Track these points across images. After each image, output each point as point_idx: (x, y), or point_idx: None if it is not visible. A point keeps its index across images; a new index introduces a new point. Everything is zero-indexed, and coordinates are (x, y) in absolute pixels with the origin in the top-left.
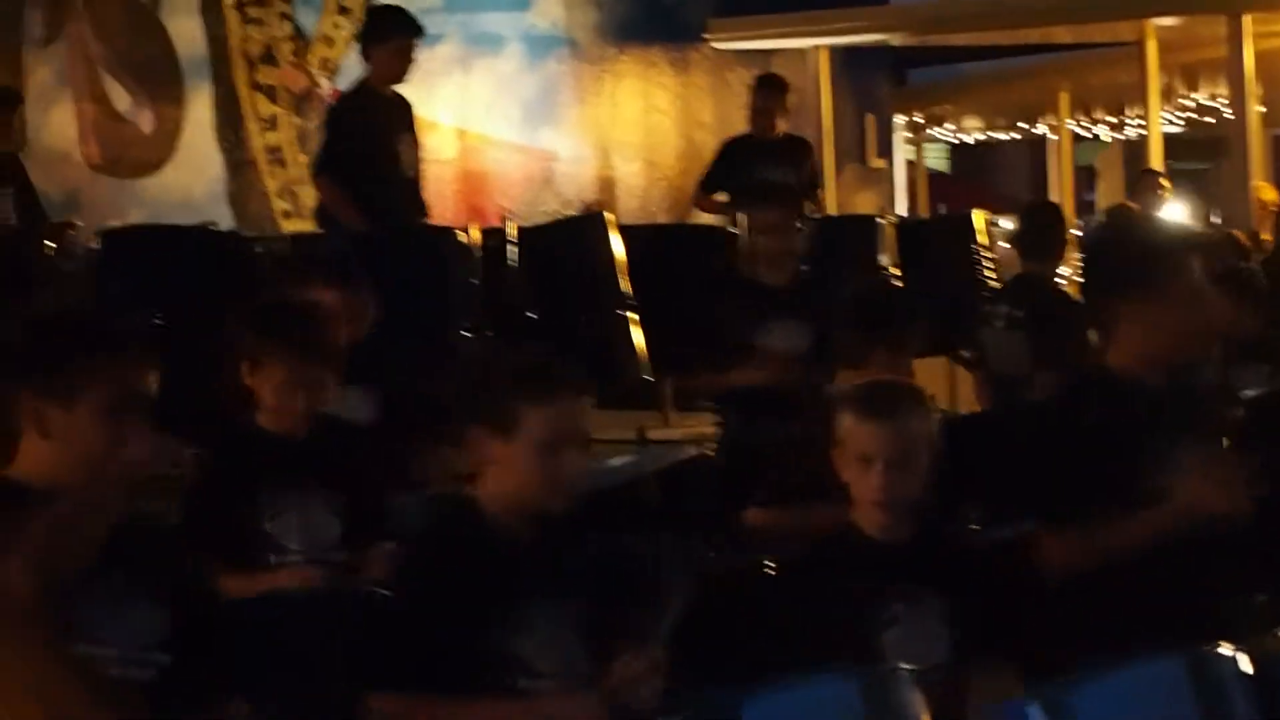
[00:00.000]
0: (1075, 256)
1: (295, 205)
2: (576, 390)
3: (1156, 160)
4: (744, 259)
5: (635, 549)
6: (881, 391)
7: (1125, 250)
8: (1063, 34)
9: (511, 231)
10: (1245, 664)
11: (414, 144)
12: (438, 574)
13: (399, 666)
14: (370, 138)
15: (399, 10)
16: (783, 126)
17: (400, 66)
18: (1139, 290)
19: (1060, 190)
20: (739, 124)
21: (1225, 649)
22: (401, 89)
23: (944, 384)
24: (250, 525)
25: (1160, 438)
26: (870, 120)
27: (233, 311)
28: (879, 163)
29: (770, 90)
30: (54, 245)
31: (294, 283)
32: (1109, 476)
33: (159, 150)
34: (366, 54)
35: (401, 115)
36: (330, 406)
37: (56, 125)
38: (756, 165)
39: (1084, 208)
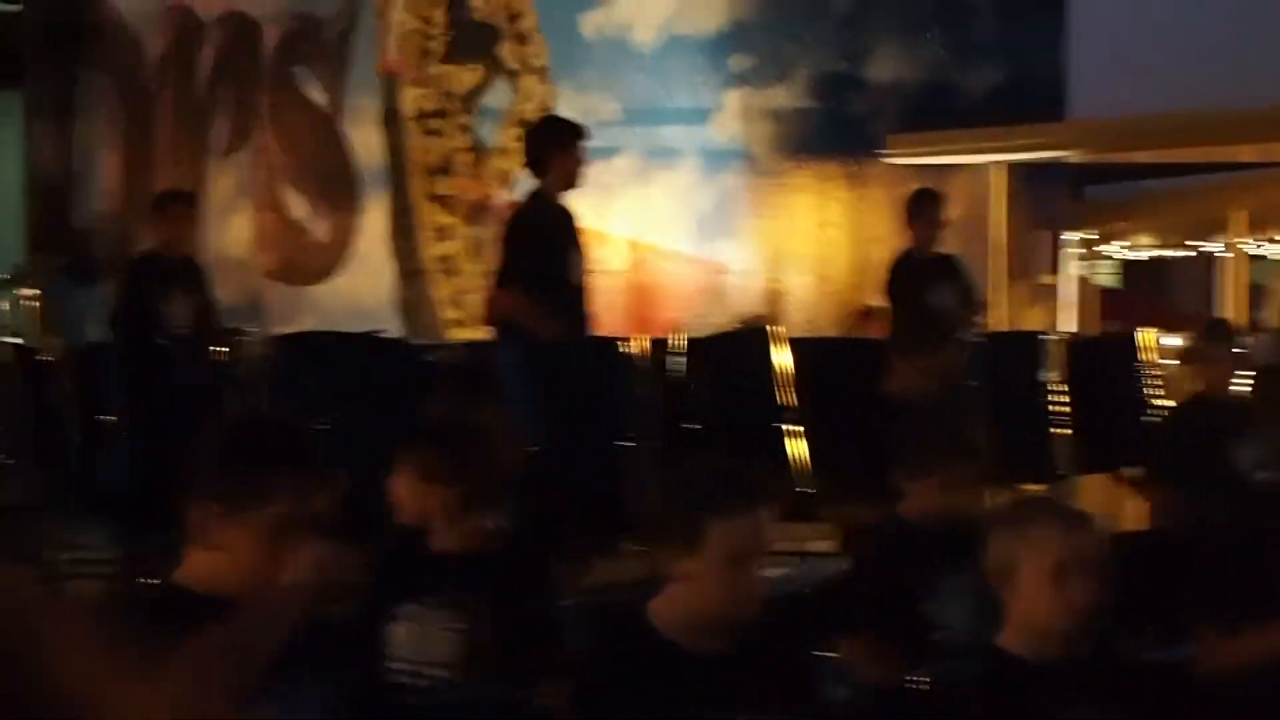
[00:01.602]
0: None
1: (465, 314)
2: (761, 500)
3: None
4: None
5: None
6: (1059, 505)
7: None
8: (1245, 152)
9: (679, 342)
10: None
11: (581, 255)
12: (609, 684)
13: None
14: (544, 249)
15: (562, 118)
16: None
17: (572, 173)
18: None
19: (1232, 308)
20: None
21: None
22: (578, 199)
23: (1105, 503)
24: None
25: None
26: (1044, 236)
27: (402, 427)
28: (1051, 279)
29: (938, 204)
30: (225, 351)
31: (460, 398)
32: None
33: (333, 258)
34: (536, 163)
35: (571, 226)
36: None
37: (235, 233)
38: (922, 284)
39: (1254, 326)
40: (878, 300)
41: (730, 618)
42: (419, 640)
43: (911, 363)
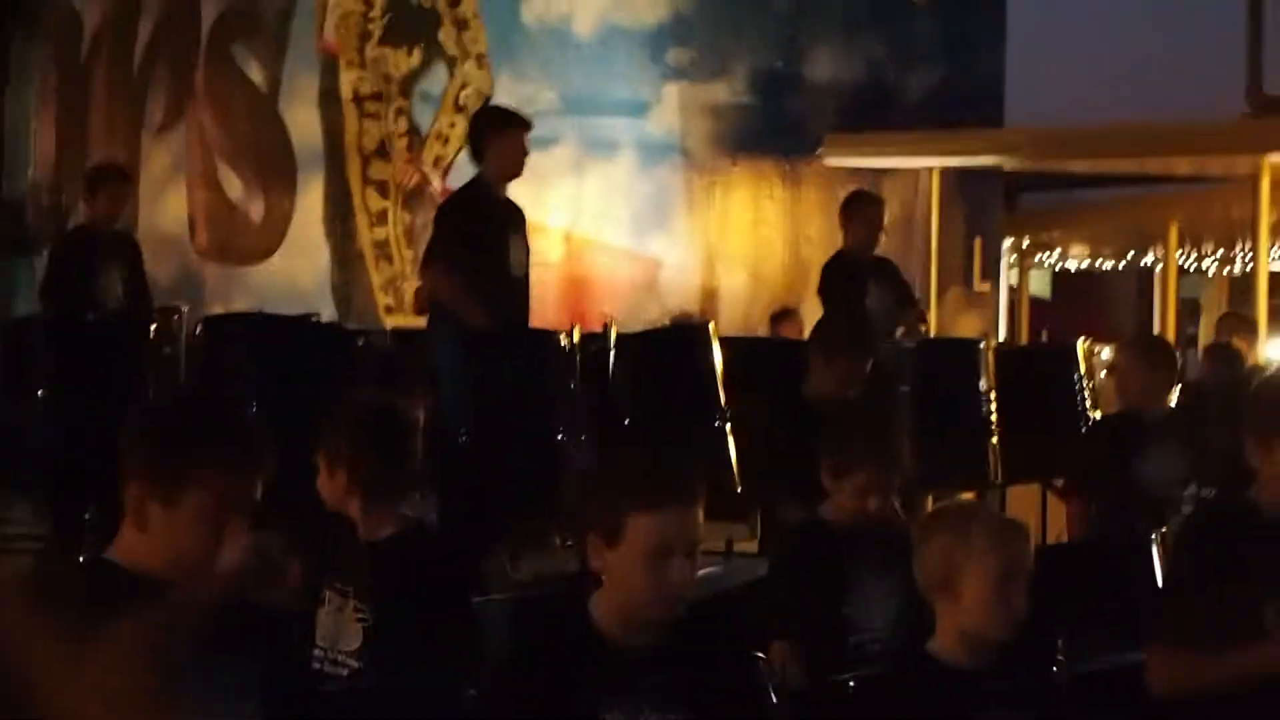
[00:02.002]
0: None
1: (398, 300)
2: (687, 497)
3: (1262, 297)
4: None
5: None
6: (996, 515)
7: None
8: (1181, 165)
9: (613, 336)
10: None
11: (524, 247)
12: (535, 678)
13: None
14: (482, 236)
15: (506, 107)
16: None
17: (513, 163)
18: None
19: (1163, 322)
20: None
21: None
22: (514, 189)
23: (1036, 512)
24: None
25: None
26: (978, 243)
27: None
28: (984, 286)
29: (878, 207)
30: (158, 329)
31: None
32: (1232, 607)
33: (268, 239)
34: (477, 152)
35: (514, 217)
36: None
37: (169, 210)
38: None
39: (1186, 340)
40: (798, 300)
41: (653, 613)
42: (334, 627)
43: (832, 365)
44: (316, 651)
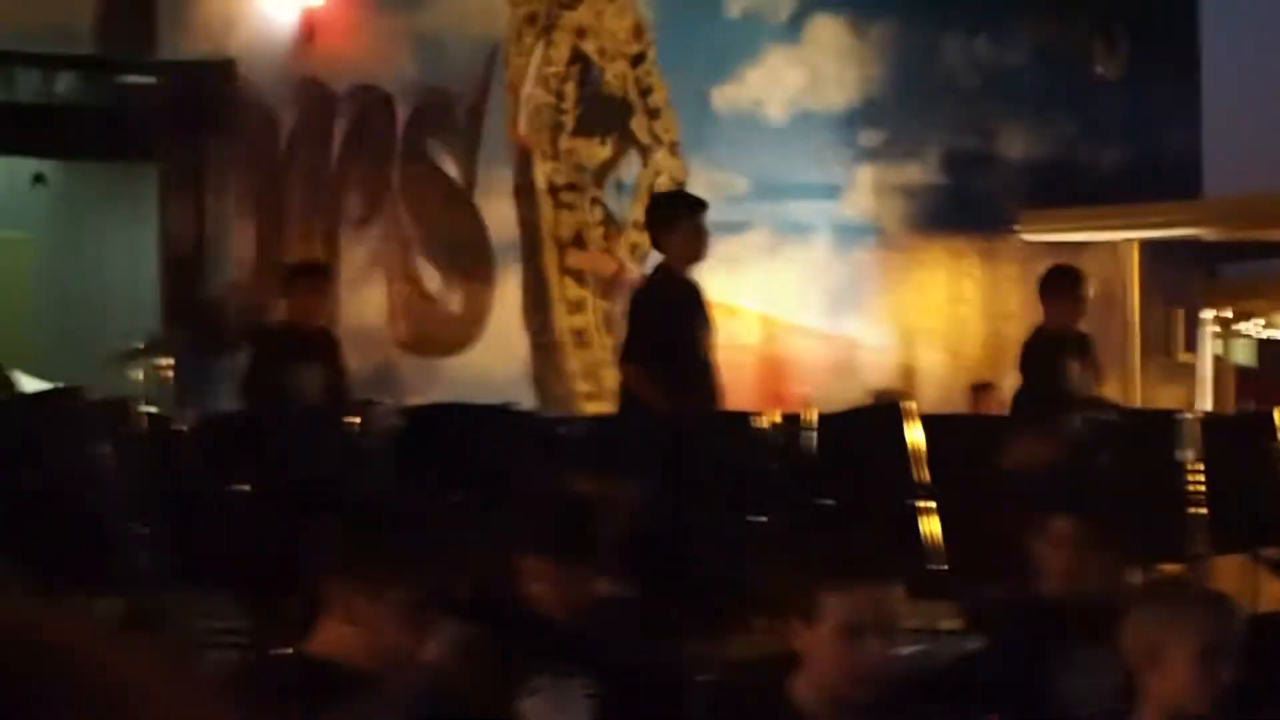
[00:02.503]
0: None
1: (598, 387)
2: (881, 575)
3: None
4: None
5: None
6: (1203, 588)
7: None
8: None
9: (810, 418)
10: None
11: (709, 326)
12: None
13: None
14: (671, 323)
15: (678, 193)
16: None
17: (696, 246)
18: None
19: None
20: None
21: None
22: (708, 273)
23: (1244, 583)
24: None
25: None
26: (1178, 314)
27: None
28: (1186, 357)
29: (1080, 281)
30: (356, 422)
31: (590, 475)
32: None
33: (467, 330)
34: (657, 240)
35: (697, 296)
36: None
37: (368, 304)
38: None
39: None
40: (998, 377)
41: (851, 692)
42: (555, 713)
43: (1032, 437)
44: None
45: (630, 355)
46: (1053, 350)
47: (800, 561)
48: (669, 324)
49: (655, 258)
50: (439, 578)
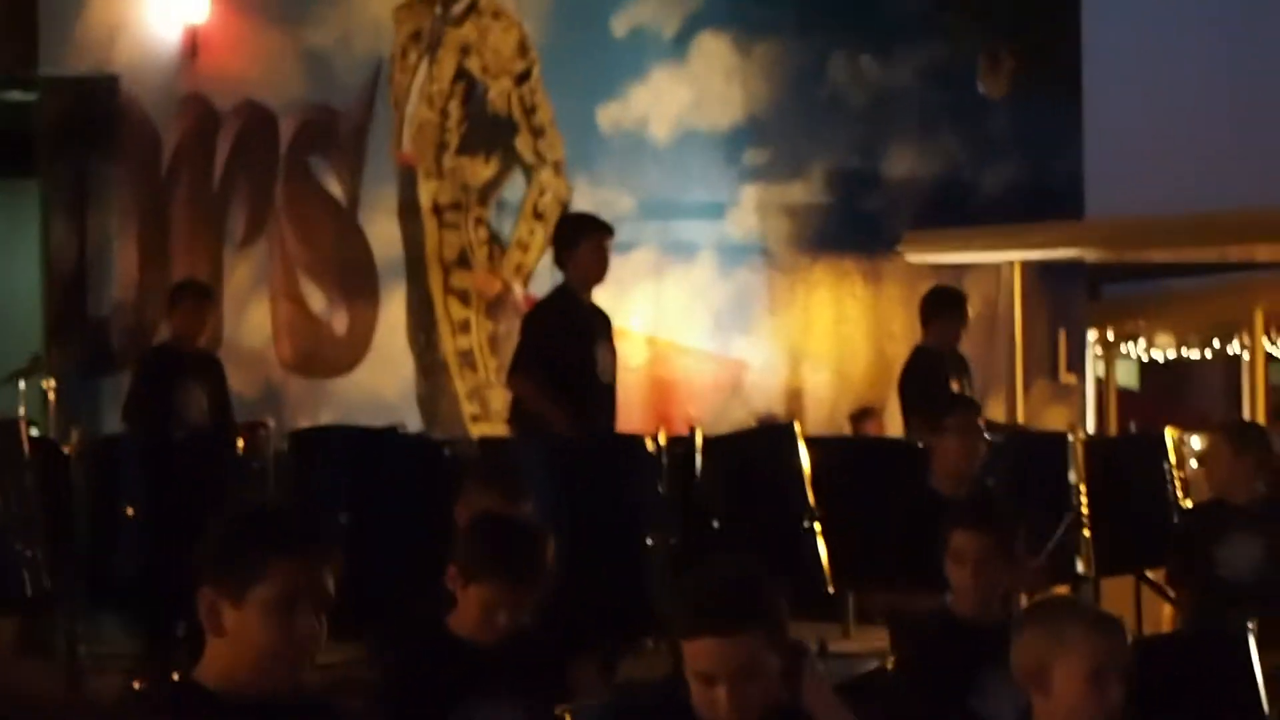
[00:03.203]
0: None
1: (484, 409)
2: (721, 627)
3: None
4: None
5: None
6: (1090, 608)
7: None
8: (1264, 251)
9: (699, 440)
10: None
11: (611, 353)
12: None
13: None
14: (570, 343)
15: (588, 214)
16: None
17: (596, 268)
18: None
19: (1253, 410)
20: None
21: None
22: (595, 294)
23: (1131, 604)
24: None
25: None
26: (1062, 335)
27: (460, 516)
28: (1070, 378)
29: (962, 303)
30: (243, 444)
31: (496, 491)
32: None
33: (352, 351)
34: (560, 259)
35: (601, 323)
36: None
37: (252, 324)
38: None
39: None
40: (882, 397)
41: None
42: None
43: (958, 441)
44: None
45: (520, 366)
46: (933, 370)
47: (672, 602)
48: (569, 345)
49: (540, 278)
50: (301, 573)
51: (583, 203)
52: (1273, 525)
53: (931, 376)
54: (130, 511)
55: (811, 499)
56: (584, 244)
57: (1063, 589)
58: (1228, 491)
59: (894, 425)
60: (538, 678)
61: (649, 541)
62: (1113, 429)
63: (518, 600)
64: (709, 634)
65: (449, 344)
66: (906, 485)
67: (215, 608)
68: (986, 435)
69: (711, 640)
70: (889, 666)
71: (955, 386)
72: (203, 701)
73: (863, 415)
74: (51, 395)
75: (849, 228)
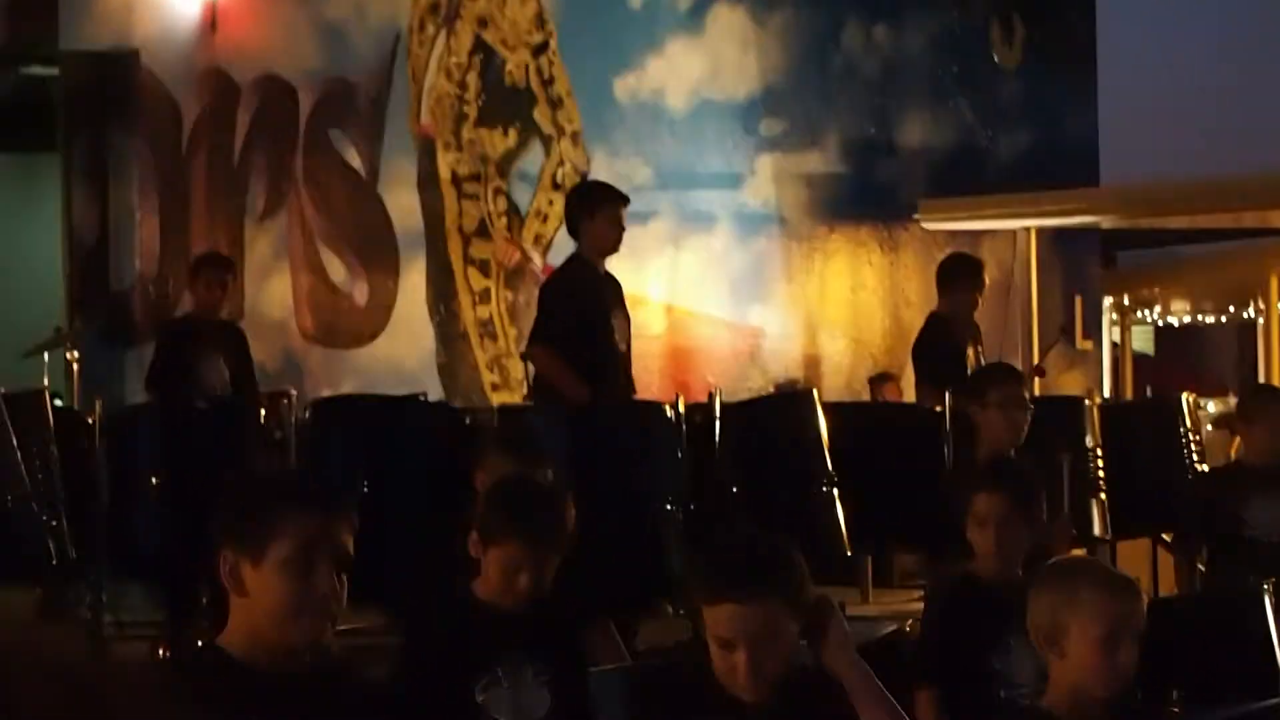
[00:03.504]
0: None
1: (504, 378)
2: (745, 593)
3: None
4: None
5: None
6: (1105, 570)
7: None
8: (1278, 217)
9: (717, 406)
10: None
11: (626, 320)
12: None
13: None
14: (585, 312)
15: (602, 183)
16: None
17: (611, 237)
18: None
19: (1269, 374)
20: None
21: None
22: (612, 263)
23: (1146, 566)
24: (461, 695)
25: None
26: (1078, 301)
27: (480, 483)
28: (1086, 344)
29: (979, 271)
30: (265, 414)
31: (515, 456)
32: None
33: (372, 321)
34: (575, 228)
35: (615, 291)
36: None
37: (274, 296)
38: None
39: None
40: (899, 364)
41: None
42: (518, 700)
43: (1001, 414)
44: None
45: (540, 337)
46: (949, 337)
47: (692, 568)
48: (585, 313)
49: (559, 248)
50: (316, 529)
51: (600, 173)
52: None
53: (947, 343)
54: (153, 480)
55: (829, 464)
56: (599, 214)
57: (1080, 550)
58: (1260, 454)
59: (912, 391)
60: (560, 641)
61: (668, 507)
62: (1129, 394)
63: (539, 562)
64: (729, 599)
65: (469, 314)
66: (923, 450)
67: (236, 568)
68: (1029, 406)
69: (731, 606)
70: (907, 629)
71: (970, 353)
72: (226, 668)
73: (881, 380)
74: (75, 366)
75: (864, 196)
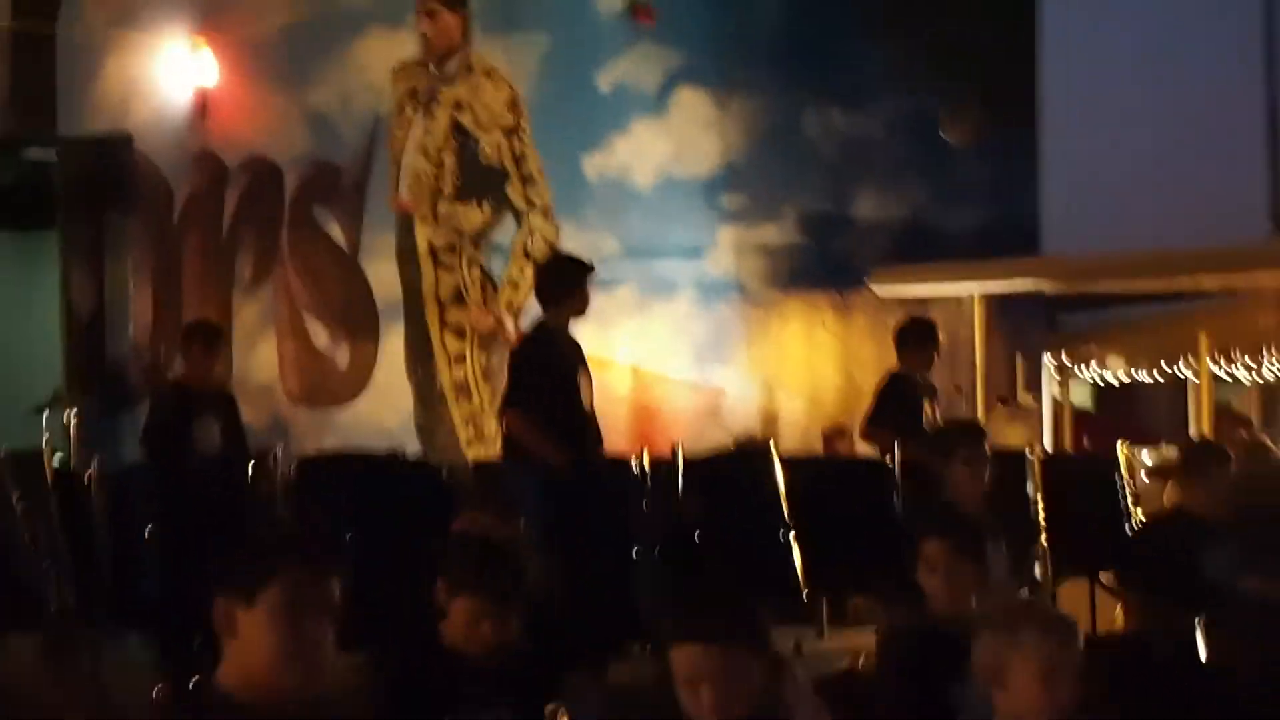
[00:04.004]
0: None
1: (478, 433)
2: (710, 634)
3: None
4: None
5: None
6: (1045, 611)
7: None
8: (1208, 282)
9: (680, 461)
10: None
11: (589, 379)
12: None
13: None
14: (552, 375)
15: (569, 261)
16: None
17: (579, 305)
18: None
19: (1199, 428)
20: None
21: None
22: (580, 328)
23: (1085, 605)
24: None
25: None
26: (1020, 361)
27: (439, 539)
28: (1028, 399)
29: (933, 333)
30: (255, 471)
31: (488, 517)
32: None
33: (354, 383)
34: (544, 297)
35: (578, 353)
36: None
37: (261, 360)
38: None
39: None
40: (851, 421)
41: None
42: None
43: (968, 470)
44: None
45: (512, 402)
46: (908, 392)
47: (662, 609)
48: (552, 377)
49: (530, 312)
50: (308, 578)
51: (570, 244)
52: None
53: (909, 397)
54: (148, 533)
55: (786, 513)
56: (568, 285)
57: (1023, 592)
58: (1203, 505)
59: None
60: (528, 687)
61: (635, 554)
62: (1068, 446)
63: (500, 614)
64: (696, 640)
65: (446, 375)
66: (875, 499)
67: (230, 612)
68: (988, 461)
69: (698, 646)
70: (860, 665)
71: (927, 409)
72: (219, 701)
73: (835, 434)
74: (73, 428)
75: (820, 265)
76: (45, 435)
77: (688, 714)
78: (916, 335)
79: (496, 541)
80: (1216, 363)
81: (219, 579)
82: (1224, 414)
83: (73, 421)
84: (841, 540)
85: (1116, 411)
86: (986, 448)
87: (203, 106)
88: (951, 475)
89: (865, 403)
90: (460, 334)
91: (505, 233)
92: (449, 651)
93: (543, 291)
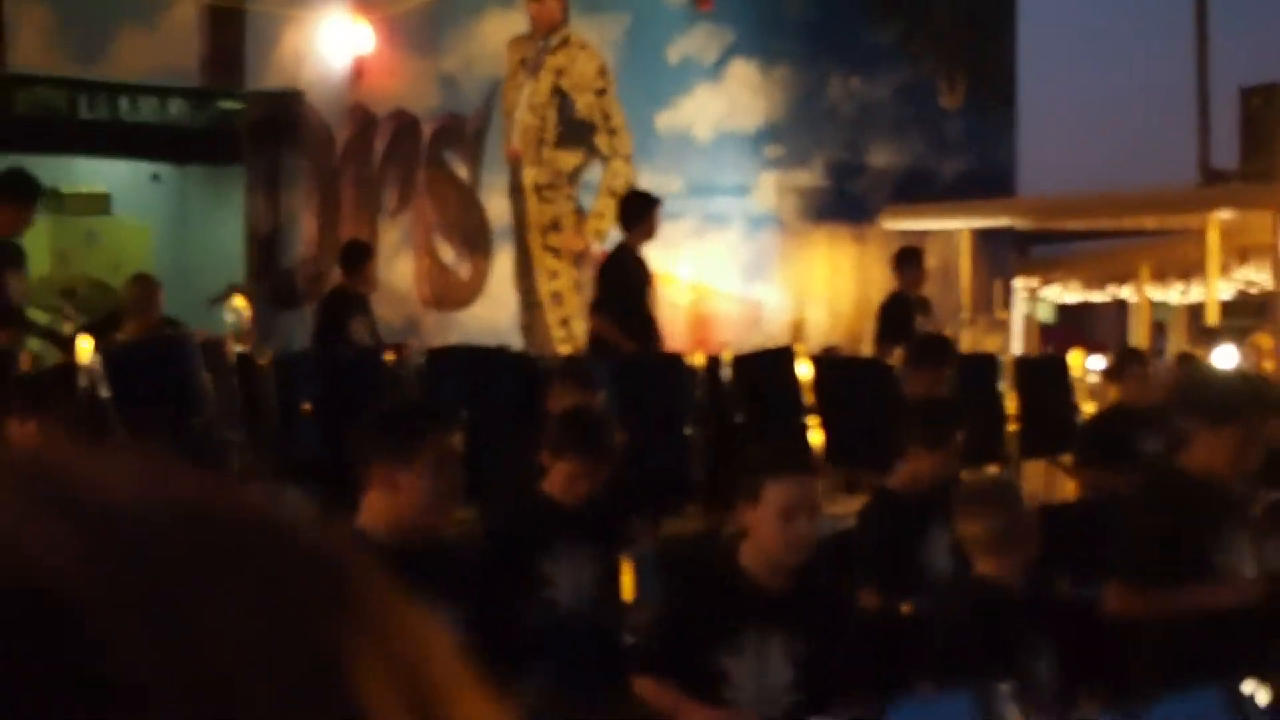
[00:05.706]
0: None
1: (569, 334)
2: (808, 467)
3: (1213, 319)
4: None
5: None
6: (1004, 487)
7: (1201, 388)
8: (1148, 222)
9: (727, 358)
10: (1264, 696)
11: (655, 291)
12: (689, 598)
13: (656, 659)
14: (629, 286)
15: (643, 196)
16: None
17: (651, 231)
18: (1214, 416)
19: (1139, 339)
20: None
21: (1252, 683)
22: (650, 250)
23: (1042, 481)
24: (530, 566)
25: (1219, 528)
26: (998, 283)
27: (551, 409)
28: (1003, 314)
29: (922, 258)
30: (393, 360)
31: (578, 391)
32: (1179, 552)
33: (472, 292)
34: (626, 222)
35: (648, 270)
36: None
37: (400, 273)
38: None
39: (1156, 353)
40: (865, 329)
41: (786, 560)
42: (573, 571)
43: (927, 373)
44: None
45: (599, 307)
46: (904, 308)
47: (750, 455)
48: (628, 287)
49: (613, 238)
50: (450, 444)
51: (643, 184)
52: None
53: (903, 312)
54: (310, 408)
55: (809, 400)
56: (642, 213)
57: (993, 468)
58: (1135, 399)
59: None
60: (606, 531)
61: (688, 432)
62: (1034, 352)
63: (593, 472)
64: (798, 471)
65: (544, 286)
66: (876, 389)
67: (390, 473)
68: (950, 366)
69: (800, 476)
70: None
71: (920, 320)
72: (378, 548)
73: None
74: (250, 323)
75: (841, 204)
76: (229, 321)
77: (775, 550)
78: (908, 260)
79: (595, 415)
80: (1154, 286)
81: (377, 447)
82: (1204, 332)
83: (250, 317)
84: (851, 423)
85: (1074, 325)
86: (947, 358)
87: (359, 69)
88: (912, 378)
89: (875, 311)
90: (556, 254)
91: (593, 174)
92: (548, 502)
93: (622, 220)
